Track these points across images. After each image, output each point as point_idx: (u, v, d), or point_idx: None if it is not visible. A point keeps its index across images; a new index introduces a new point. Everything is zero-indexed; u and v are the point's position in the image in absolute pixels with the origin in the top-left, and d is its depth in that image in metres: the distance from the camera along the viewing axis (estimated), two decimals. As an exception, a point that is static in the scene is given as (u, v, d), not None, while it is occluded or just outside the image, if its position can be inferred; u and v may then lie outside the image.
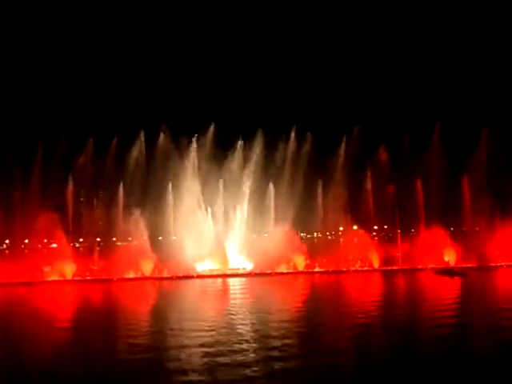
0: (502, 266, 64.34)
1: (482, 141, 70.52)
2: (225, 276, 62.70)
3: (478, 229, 70.13)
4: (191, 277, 62.38)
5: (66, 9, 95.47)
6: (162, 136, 69.38)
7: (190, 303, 39.07)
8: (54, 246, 66.79)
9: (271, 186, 68.91)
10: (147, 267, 63.77)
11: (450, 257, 65.84)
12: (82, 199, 70.10)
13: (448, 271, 58.53)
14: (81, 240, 72.12)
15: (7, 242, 70.29)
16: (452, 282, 51.24)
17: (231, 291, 49.72)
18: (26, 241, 69.24)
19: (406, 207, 69.69)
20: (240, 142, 70.31)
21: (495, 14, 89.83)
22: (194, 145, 69.76)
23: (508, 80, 79.16)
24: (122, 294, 50.97)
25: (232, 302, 37.29)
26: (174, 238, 66.97)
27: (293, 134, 71.40)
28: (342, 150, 71.45)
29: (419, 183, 70.08)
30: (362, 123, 71.18)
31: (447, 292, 42.76)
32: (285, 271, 64.61)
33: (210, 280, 59.98)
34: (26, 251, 67.61)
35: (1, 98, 76.04)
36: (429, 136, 71.61)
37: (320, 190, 69.60)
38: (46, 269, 62.27)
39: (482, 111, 74.06)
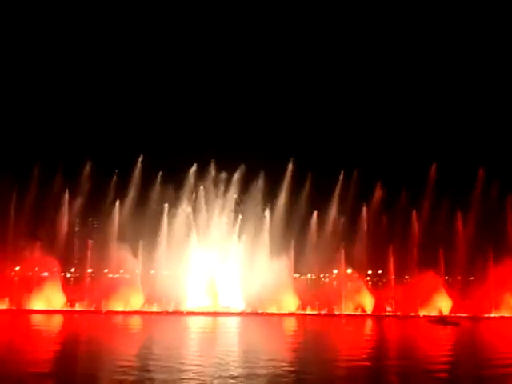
0: (495, 317, 63.73)
1: (477, 183, 70.69)
2: (215, 314, 61.84)
3: (472, 278, 69.74)
4: (180, 313, 61.53)
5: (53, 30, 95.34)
6: (156, 170, 69.66)
7: (160, 343, 37.57)
8: (45, 274, 66.15)
9: (267, 223, 68.79)
10: (137, 301, 63.04)
11: (443, 305, 65.18)
12: (76, 229, 69.90)
13: (441, 320, 57.93)
14: (72, 270, 71.53)
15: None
16: (444, 330, 50.60)
17: (218, 334, 48.52)
18: (17, 268, 68.62)
19: (401, 253, 69.44)
20: (236, 176, 70.42)
21: (488, 54, 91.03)
22: (191, 179, 70.01)
23: (503, 121, 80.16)
24: (103, 327, 49.82)
25: (217, 348, 36.03)
26: (166, 272, 66.47)
27: (290, 172, 71.71)
28: (337, 192, 71.66)
29: (416, 229, 70.08)
30: (360, 165, 71.68)
31: (439, 341, 42.12)
32: (276, 312, 63.79)
33: (199, 318, 58.95)
34: (15, 278, 66.86)
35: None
36: (425, 179, 71.97)
37: (315, 231, 69.54)
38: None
39: (479, 152, 74.35)
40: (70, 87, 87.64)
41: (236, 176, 70.47)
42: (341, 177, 71.88)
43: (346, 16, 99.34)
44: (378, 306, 65.90)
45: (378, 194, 71.07)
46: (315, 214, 69.96)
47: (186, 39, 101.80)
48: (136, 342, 36.89)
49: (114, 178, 69.19)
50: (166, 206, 67.93)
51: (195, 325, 52.08)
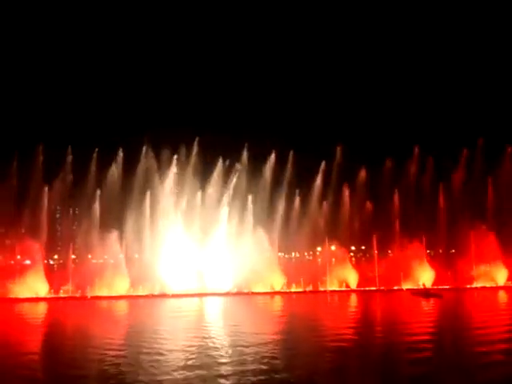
0: (476, 288, 64.99)
1: (461, 161, 71.62)
2: (201, 295, 62.07)
3: (453, 251, 70.85)
4: (166, 296, 61.63)
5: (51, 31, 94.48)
6: (141, 153, 68.96)
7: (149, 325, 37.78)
8: (28, 262, 65.52)
9: (250, 204, 68.80)
10: (122, 285, 62.94)
11: (425, 278, 66.23)
12: (57, 216, 69.18)
13: (424, 292, 58.89)
14: (55, 257, 71.02)
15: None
16: (427, 302, 51.44)
17: (205, 314, 48.85)
18: (-1, 257, 67.90)
19: (384, 228, 70.10)
20: (221, 161, 70.24)
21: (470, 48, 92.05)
22: (174, 162, 69.48)
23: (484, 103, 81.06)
24: (91, 312, 49.78)
25: (204, 327, 36.25)
26: (150, 255, 66.29)
27: (273, 155, 71.71)
28: (321, 171, 71.88)
29: (397, 205, 70.80)
30: (343, 144, 71.85)
31: (421, 314, 42.83)
32: (262, 291, 64.21)
33: (185, 300, 59.10)
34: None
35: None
36: (408, 157, 72.65)
37: (298, 210, 69.88)
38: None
39: (462, 131, 75.13)
40: (52, 75, 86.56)
41: (219, 159, 70.17)
42: (324, 156, 72.09)
43: (336, 10, 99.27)
44: (362, 281, 66.70)
45: (362, 173, 71.47)
46: (298, 193, 70.25)
47: (183, 35, 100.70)
48: (120, 327, 36.93)
49: (95, 163, 68.29)
50: (149, 191, 67.44)
51: (180, 307, 52.24)
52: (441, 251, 72.14)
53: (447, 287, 64.87)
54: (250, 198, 68.73)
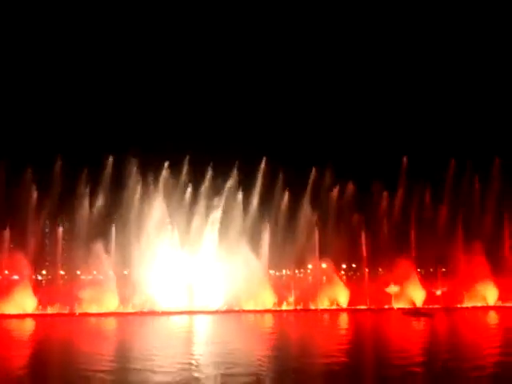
0: (467, 307, 64.94)
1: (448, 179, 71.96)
2: (191, 313, 61.52)
3: (444, 270, 70.88)
4: (156, 313, 61.01)
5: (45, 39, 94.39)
6: (129, 168, 68.49)
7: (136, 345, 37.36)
8: (16, 277, 64.76)
9: (240, 221, 68.55)
10: (111, 302, 62.28)
11: (416, 297, 66.12)
12: (46, 231, 68.56)
13: (415, 312, 58.74)
14: (43, 272, 70.26)
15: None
16: (418, 322, 51.27)
17: (194, 333, 48.24)
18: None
19: (374, 247, 70.06)
20: (210, 173, 69.91)
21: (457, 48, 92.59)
22: (164, 177, 69.18)
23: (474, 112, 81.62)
24: (79, 329, 49.13)
25: (192, 349, 35.70)
26: (140, 272, 65.66)
27: (263, 167, 71.57)
28: (311, 187, 71.82)
29: (388, 224, 70.89)
30: (333, 160, 71.90)
31: (412, 334, 42.65)
32: (253, 309, 63.77)
33: (174, 318, 58.54)
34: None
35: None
36: (396, 171, 72.85)
37: (289, 227, 69.73)
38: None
39: (450, 144, 75.55)
40: (41, 84, 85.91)
41: (209, 174, 69.96)
42: (312, 173, 72.06)
43: (321, 14, 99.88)
44: (352, 300, 66.43)
45: (350, 189, 71.52)
46: (288, 209, 70.05)
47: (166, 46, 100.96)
48: (108, 345, 36.41)
49: (84, 177, 67.83)
50: (140, 205, 67.12)
51: (169, 325, 51.74)
52: (431, 270, 72.10)
53: (438, 306, 64.76)
54: (240, 214, 68.50)
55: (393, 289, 65.18)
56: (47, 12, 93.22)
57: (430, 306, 64.14)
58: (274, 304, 65.53)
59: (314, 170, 71.89)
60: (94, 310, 60.90)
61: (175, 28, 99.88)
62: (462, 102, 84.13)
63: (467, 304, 65.82)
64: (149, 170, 68.43)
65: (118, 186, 67.90)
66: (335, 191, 71.02)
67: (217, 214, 67.91)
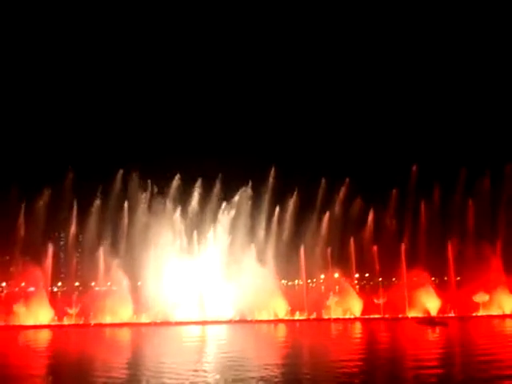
0: (482, 316, 64.23)
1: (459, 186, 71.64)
2: (204, 323, 61.75)
3: (459, 278, 70.23)
4: (169, 323, 61.34)
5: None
6: (139, 180, 69.32)
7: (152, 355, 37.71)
8: (32, 289, 65.57)
9: (252, 231, 68.87)
10: (125, 313, 62.75)
11: (431, 306, 65.56)
12: (61, 243, 69.42)
13: (429, 321, 58.29)
14: (59, 284, 71.03)
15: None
16: (433, 331, 50.95)
17: (207, 342, 48.54)
18: (4, 284, 68.03)
19: (388, 256, 69.73)
20: (219, 183, 70.42)
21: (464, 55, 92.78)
22: (174, 188, 69.85)
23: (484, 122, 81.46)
24: (93, 340, 49.63)
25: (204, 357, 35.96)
26: (154, 283, 66.13)
27: (273, 176, 71.90)
28: (323, 198, 71.97)
29: (402, 232, 70.61)
30: (350, 176, 72.18)
31: (427, 343, 42.43)
32: (265, 319, 63.78)
33: (187, 328, 58.79)
34: (2, 294, 66.27)
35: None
36: (406, 181, 72.74)
37: (302, 237, 69.83)
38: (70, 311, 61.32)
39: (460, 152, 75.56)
40: (50, 97, 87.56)
41: (218, 185, 70.53)
42: (323, 184, 72.30)
43: (325, 21, 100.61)
44: (366, 309, 66.09)
45: (358, 203, 71.58)
46: (301, 220, 70.33)
47: (179, 45, 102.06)
48: (125, 354, 36.82)
49: (99, 191, 68.75)
50: (152, 218, 67.77)
51: (183, 335, 52.00)
52: (446, 279, 71.47)
53: (453, 315, 64.16)
54: (251, 224, 68.87)
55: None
56: (54, 24, 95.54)
57: (445, 315, 63.54)
58: (287, 313, 65.42)
59: (323, 180, 72.24)
60: (108, 320, 61.38)
61: (186, 38, 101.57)
62: (474, 111, 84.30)
63: (483, 313, 65.10)
64: (159, 181, 69.27)
65: (129, 197, 68.65)
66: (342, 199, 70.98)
67: (228, 224, 68.32)
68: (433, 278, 70.34)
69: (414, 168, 72.80)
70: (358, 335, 51.00)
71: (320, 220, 70.86)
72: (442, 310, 65.16)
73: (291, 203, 71.27)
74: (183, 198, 69.68)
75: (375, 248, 68.84)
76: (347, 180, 71.96)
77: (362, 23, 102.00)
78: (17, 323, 59.87)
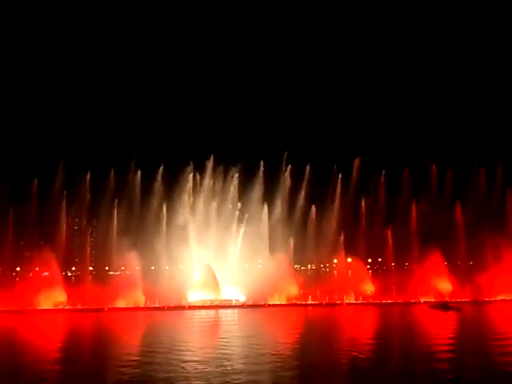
0: (496, 301, 63.97)
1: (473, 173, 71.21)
2: (217, 307, 62.06)
3: (472, 263, 69.91)
4: (183, 307, 61.71)
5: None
6: (159, 169, 69.57)
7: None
8: (46, 274, 66.11)
9: (265, 215, 68.92)
10: (139, 297, 63.15)
11: (444, 291, 65.38)
12: (75, 228, 69.85)
13: (442, 305, 58.10)
14: (73, 269, 71.60)
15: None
16: (446, 316, 50.78)
17: (220, 325, 48.90)
18: (18, 269, 68.73)
19: (401, 240, 69.49)
20: (235, 174, 70.60)
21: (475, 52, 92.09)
22: (190, 176, 70.03)
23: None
24: (110, 324, 50.18)
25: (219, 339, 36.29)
26: (167, 267, 66.56)
27: (289, 166, 71.96)
28: (337, 182, 71.76)
29: (414, 217, 70.26)
30: (361, 155, 71.89)
31: (440, 328, 42.28)
32: (278, 303, 63.99)
33: (201, 311, 59.19)
34: (17, 279, 66.98)
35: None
36: (423, 170, 72.38)
37: (314, 221, 69.71)
38: None
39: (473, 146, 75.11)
40: (65, 90, 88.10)
41: (234, 170, 70.57)
42: (340, 170, 72.12)
43: (339, 13, 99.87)
44: (378, 294, 66.05)
45: (379, 188, 71.24)
46: (314, 207, 70.17)
47: (178, 39, 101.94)
48: (142, 337, 37.15)
49: (113, 177, 68.97)
50: (165, 203, 67.99)
51: (196, 318, 52.37)
52: (459, 263, 71.16)
53: (466, 300, 63.93)
54: (265, 209, 68.90)
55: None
56: (52, 21, 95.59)
57: (458, 300, 63.34)
58: (299, 298, 65.55)
59: (335, 167, 72.01)
60: (121, 304, 61.83)
61: (189, 38, 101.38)
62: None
63: (496, 297, 64.79)
64: (174, 169, 69.46)
65: (146, 184, 68.97)
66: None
67: (242, 210, 68.44)
68: (446, 263, 70.02)
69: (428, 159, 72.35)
70: (370, 320, 50.99)
71: (334, 204, 70.76)
72: (455, 295, 65.00)
73: (304, 187, 71.14)
74: (196, 184, 69.84)
75: (388, 232, 68.67)
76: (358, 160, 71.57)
77: (364, 17, 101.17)
78: (31, 307, 60.43)
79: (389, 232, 68.76)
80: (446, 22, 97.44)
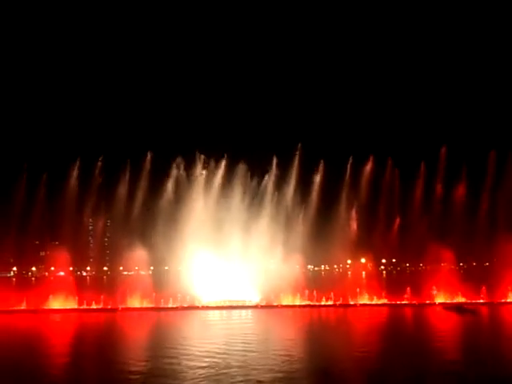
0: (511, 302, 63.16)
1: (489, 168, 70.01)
2: (230, 308, 62.10)
3: (487, 264, 69.20)
4: (196, 308, 61.89)
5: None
6: (172, 166, 69.67)
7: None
8: (61, 274, 66.77)
9: (279, 216, 68.73)
10: (152, 297, 63.39)
11: (459, 292, 64.72)
12: (90, 228, 70.39)
13: (457, 307, 57.53)
14: (88, 268, 72.26)
15: (14, 269, 70.58)
16: (460, 318, 50.28)
17: (232, 325, 48.96)
18: (33, 268, 69.51)
19: (416, 241, 68.90)
20: (248, 172, 70.35)
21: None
22: (203, 176, 70.11)
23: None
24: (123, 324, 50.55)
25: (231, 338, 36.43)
26: (179, 268, 66.76)
27: (300, 167, 71.48)
28: (350, 183, 71.25)
29: (429, 217, 69.60)
30: (371, 152, 71.07)
31: (453, 331, 41.89)
32: (291, 304, 63.85)
33: (215, 312, 59.37)
34: (32, 279, 67.77)
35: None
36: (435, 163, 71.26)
37: (328, 222, 69.42)
38: None
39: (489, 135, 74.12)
40: (79, 87, 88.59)
41: (244, 169, 70.37)
42: (349, 165, 71.34)
43: (347, 10, 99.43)
44: (393, 295, 65.58)
45: (393, 188, 70.49)
46: (327, 204, 69.85)
47: (182, 36, 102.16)
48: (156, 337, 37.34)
49: (127, 177, 69.18)
50: (179, 203, 68.17)
51: (210, 319, 52.53)
52: (474, 264, 70.49)
53: (482, 302, 63.23)
54: (278, 209, 68.68)
55: None
56: (52, 21, 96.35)
57: (473, 301, 62.65)
58: (313, 299, 65.33)
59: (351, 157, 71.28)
60: (135, 304, 62.17)
61: (193, 37, 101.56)
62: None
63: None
64: (187, 168, 69.40)
65: (160, 184, 69.04)
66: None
67: (255, 210, 68.27)
68: (461, 264, 69.43)
69: (443, 150, 71.22)
70: (384, 322, 50.71)
71: (348, 205, 70.28)
72: (471, 297, 64.29)
73: (316, 187, 70.76)
74: (209, 182, 69.84)
75: (402, 232, 68.15)
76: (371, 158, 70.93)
77: (373, 13, 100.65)
78: (46, 307, 61.01)
79: (404, 233, 68.21)
80: (457, 17, 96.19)
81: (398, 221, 69.11)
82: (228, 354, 28.59)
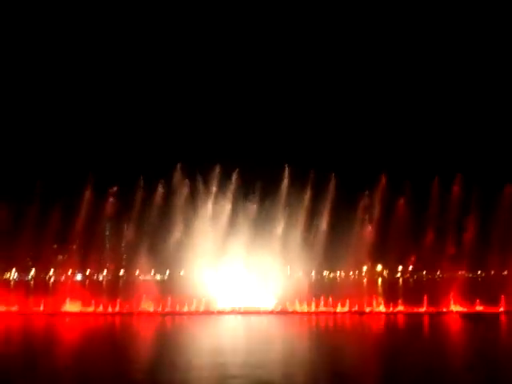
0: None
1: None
2: (245, 313, 62.12)
3: (506, 273, 68.40)
4: (211, 313, 62.04)
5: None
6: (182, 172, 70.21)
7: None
8: (78, 278, 67.51)
9: (294, 222, 68.76)
10: (167, 302, 63.70)
11: (476, 301, 63.95)
12: (106, 233, 71.10)
13: (474, 315, 56.90)
14: (104, 273, 72.95)
15: (32, 273, 71.57)
16: (478, 327, 49.74)
17: (244, 332, 49.02)
18: (51, 272, 70.39)
19: (433, 248, 68.42)
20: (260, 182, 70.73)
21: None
22: (213, 178, 70.54)
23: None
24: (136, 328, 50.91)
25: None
26: (195, 273, 67.04)
27: (314, 175, 71.61)
28: (367, 189, 71.16)
29: (446, 224, 69.09)
30: (389, 166, 71.21)
31: (470, 339, 41.44)
32: (306, 310, 63.63)
33: (229, 317, 59.47)
34: (50, 282, 68.61)
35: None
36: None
37: (344, 228, 69.26)
38: None
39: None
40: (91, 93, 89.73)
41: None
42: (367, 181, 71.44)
43: (340, 18, 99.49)
44: (408, 303, 65.04)
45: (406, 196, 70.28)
46: (343, 211, 69.79)
47: (179, 43, 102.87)
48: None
49: (141, 182, 69.93)
50: (193, 209, 68.62)
51: (227, 324, 52.64)
52: (492, 272, 69.73)
53: (501, 310, 62.38)
54: (293, 214, 68.77)
55: None
56: (52, 24, 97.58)
57: (490, 311, 61.83)
58: (328, 305, 65.05)
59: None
60: (151, 309, 62.50)
61: (186, 39, 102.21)
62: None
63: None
64: (199, 174, 69.98)
65: (175, 191, 69.57)
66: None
67: (269, 216, 68.47)
68: (479, 272, 68.74)
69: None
70: (399, 330, 50.30)
71: (363, 211, 70.13)
72: (489, 305, 63.48)
73: (330, 191, 70.73)
74: (223, 190, 70.22)
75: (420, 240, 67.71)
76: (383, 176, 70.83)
77: (360, 26, 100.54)
78: (63, 310, 61.63)
79: (420, 240, 67.79)
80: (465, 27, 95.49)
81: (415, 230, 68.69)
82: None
